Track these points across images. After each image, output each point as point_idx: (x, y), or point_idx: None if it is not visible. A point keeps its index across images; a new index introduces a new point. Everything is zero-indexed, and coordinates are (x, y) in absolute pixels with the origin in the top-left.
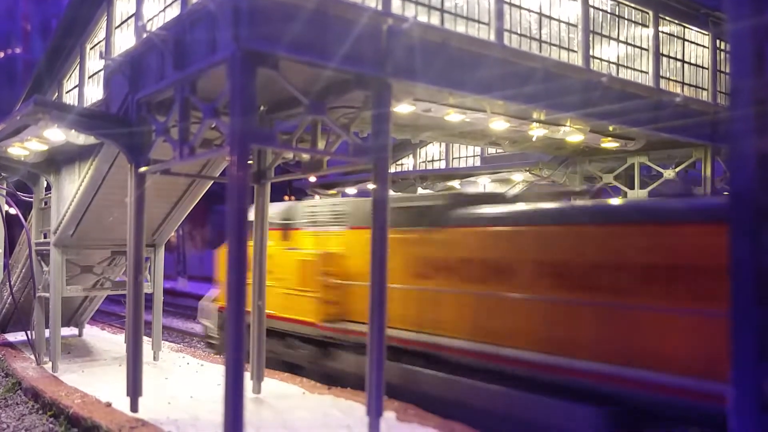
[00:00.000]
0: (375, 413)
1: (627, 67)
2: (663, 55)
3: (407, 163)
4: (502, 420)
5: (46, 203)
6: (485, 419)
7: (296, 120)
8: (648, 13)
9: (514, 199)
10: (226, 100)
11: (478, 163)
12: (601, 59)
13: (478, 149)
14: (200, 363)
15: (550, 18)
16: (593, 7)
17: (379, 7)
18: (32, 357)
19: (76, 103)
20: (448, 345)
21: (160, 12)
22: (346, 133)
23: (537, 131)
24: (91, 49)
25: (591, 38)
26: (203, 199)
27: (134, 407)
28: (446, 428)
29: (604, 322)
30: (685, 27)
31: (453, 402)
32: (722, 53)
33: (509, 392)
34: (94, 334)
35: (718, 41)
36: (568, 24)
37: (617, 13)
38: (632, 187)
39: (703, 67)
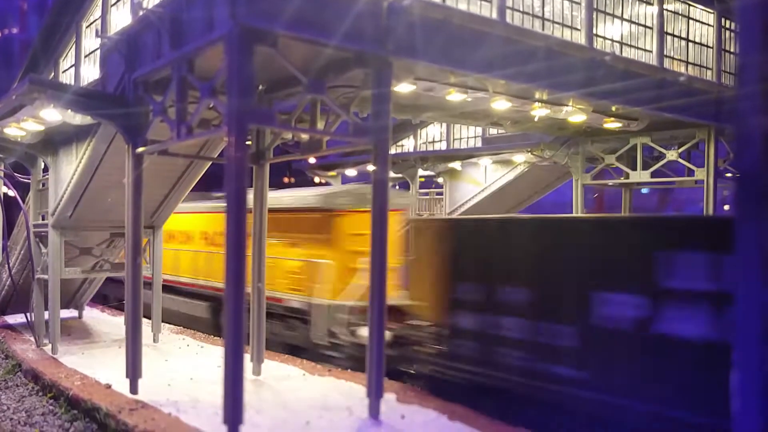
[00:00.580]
0: (375, 395)
1: (631, 46)
2: (667, 33)
3: (408, 144)
4: (180, 315)
5: (43, 185)
6: (180, 317)
7: (295, 99)
8: None
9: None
10: (224, 78)
11: (479, 143)
12: (604, 38)
13: (479, 130)
14: (200, 345)
15: None
16: None
17: None
18: (32, 339)
19: (72, 83)
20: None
21: None
22: (346, 113)
23: (539, 111)
24: (87, 27)
25: (594, 16)
26: (201, 181)
27: (134, 389)
28: (446, 409)
29: (217, 261)
30: (690, 5)
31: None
32: (727, 32)
33: (182, 299)
34: (93, 316)
35: (723, 19)
36: (572, 2)
37: None
38: (634, 168)
39: (707, 46)
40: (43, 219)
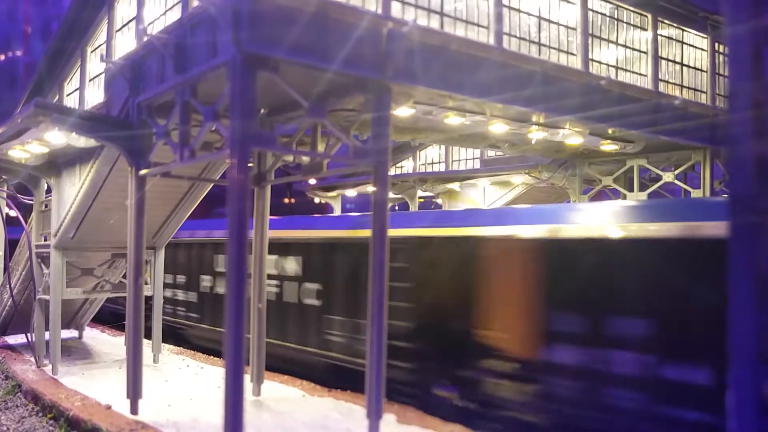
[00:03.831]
0: (375, 416)
1: (626, 70)
2: (662, 58)
3: (407, 166)
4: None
5: (46, 206)
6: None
7: (296, 123)
8: (647, 17)
9: None
10: (227, 103)
11: (477, 165)
12: (600, 62)
13: (477, 152)
14: (200, 365)
15: (549, 21)
16: (592, 10)
17: (379, 11)
18: (32, 359)
19: (76, 106)
20: None
21: (161, 15)
22: (346, 136)
23: (536, 134)
24: (92, 52)
25: (590, 41)
26: (203, 202)
27: (134, 409)
28: (446, 430)
29: None
30: (683, 30)
31: None
32: (721, 56)
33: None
34: (94, 336)
35: (716, 44)
36: (567, 27)
37: (616, 17)
38: (631, 190)
39: (701, 70)
40: (45, 240)
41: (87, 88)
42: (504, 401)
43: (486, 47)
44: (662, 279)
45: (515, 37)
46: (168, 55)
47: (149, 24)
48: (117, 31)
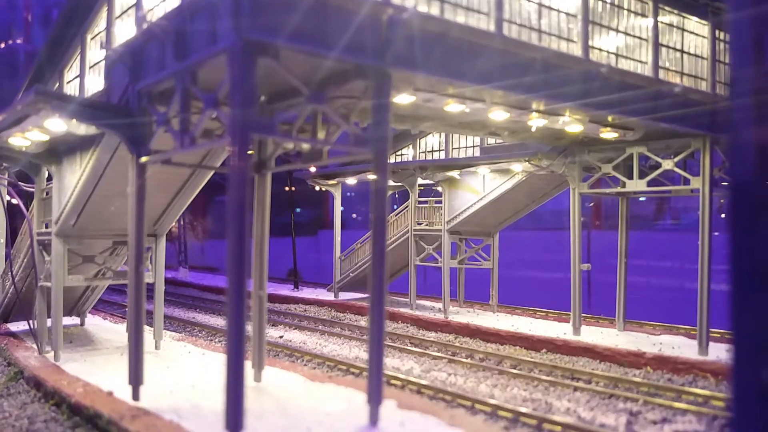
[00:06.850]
0: (375, 401)
1: (626, 58)
2: (662, 45)
3: (407, 154)
4: None
5: (47, 193)
6: None
7: (296, 110)
8: (647, 4)
9: None
10: (227, 90)
11: (477, 153)
12: (600, 49)
13: (477, 139)
14: (202, 352)
15: (550, 8)
16: None
17: None
18: (34, 346)
19: (77, 94)
20: None
21: (161, 2)
22: (347, 123)
23: (536, 121)
24: (91, 39)
25: (590, 29)
26: (204, 190)
27: (136, 396)
28: (446, 415)
29: None
30: (684, 17)
31: None
32: (721, 43)
33: None
34: (96, 324)
35: (717, 31)
36: (568, 14)
37: (617, 4)
38: (631, 177)
39: (702, 57)
40: (46, 227)
41: (87, 75)
42: None
43: (486, 34)
44: None
45: (516, 24)
46: (168, 42)
47: (149, 11)
48: (117, 18)
